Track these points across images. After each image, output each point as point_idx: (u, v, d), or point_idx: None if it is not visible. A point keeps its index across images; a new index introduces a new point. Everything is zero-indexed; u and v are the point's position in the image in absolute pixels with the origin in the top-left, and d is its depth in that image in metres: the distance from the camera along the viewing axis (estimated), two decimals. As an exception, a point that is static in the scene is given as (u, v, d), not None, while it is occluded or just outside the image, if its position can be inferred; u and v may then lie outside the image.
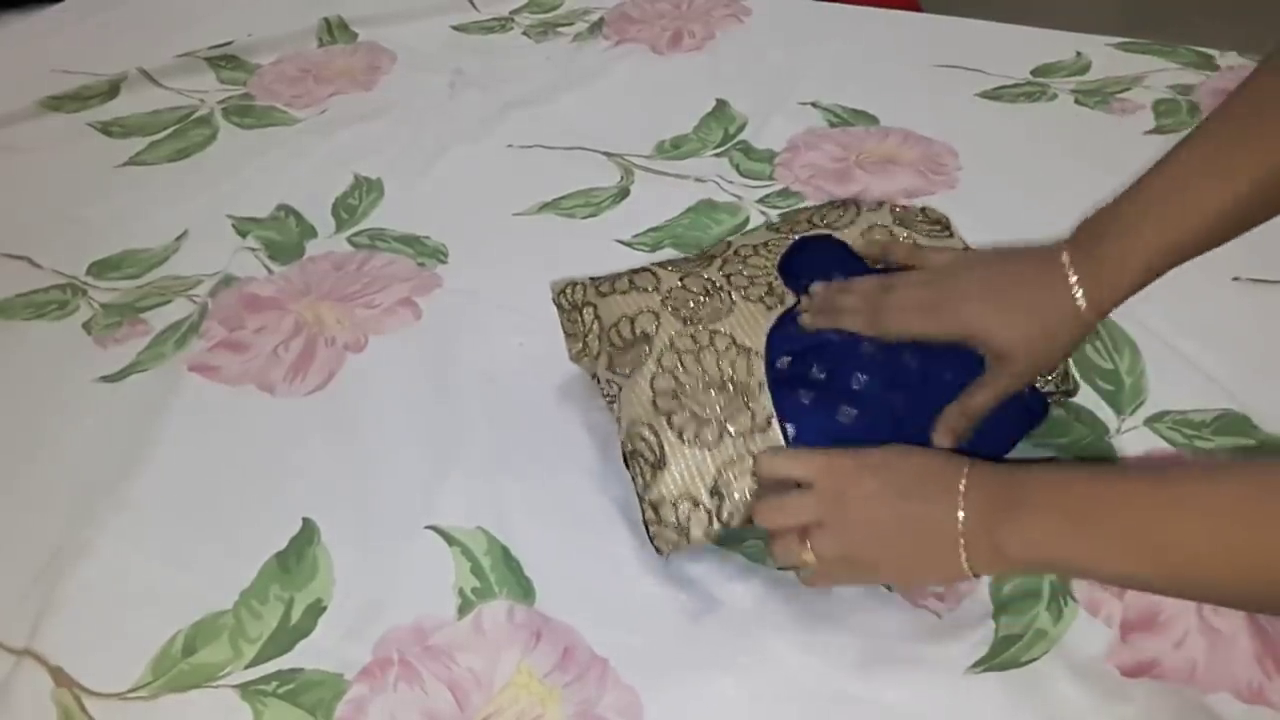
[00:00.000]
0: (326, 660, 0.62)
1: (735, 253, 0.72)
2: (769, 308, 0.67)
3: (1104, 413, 0.74)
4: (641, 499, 0.63)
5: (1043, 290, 0.60)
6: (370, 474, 0.73)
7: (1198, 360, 0.77)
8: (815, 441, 0.62)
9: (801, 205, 0.76)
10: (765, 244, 0.73)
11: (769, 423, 0.62)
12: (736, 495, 0.61)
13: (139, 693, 0.60)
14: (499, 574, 0.65)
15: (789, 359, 0.65)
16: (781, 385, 0.64)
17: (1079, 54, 1.15)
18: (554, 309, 0.73)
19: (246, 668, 0.61)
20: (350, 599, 0.65)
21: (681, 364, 0.65)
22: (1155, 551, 0.49)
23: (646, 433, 0.63)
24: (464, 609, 0.64)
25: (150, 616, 0.64)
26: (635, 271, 0.72)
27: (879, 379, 0.64)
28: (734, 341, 0.66)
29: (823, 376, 0.64)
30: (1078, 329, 0.60)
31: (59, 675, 0.61)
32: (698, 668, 0.60)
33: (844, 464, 0.58)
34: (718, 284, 0.69)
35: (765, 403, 0.63)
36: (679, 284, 0.70)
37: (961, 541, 0.54)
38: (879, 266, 0.70)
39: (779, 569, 0.63)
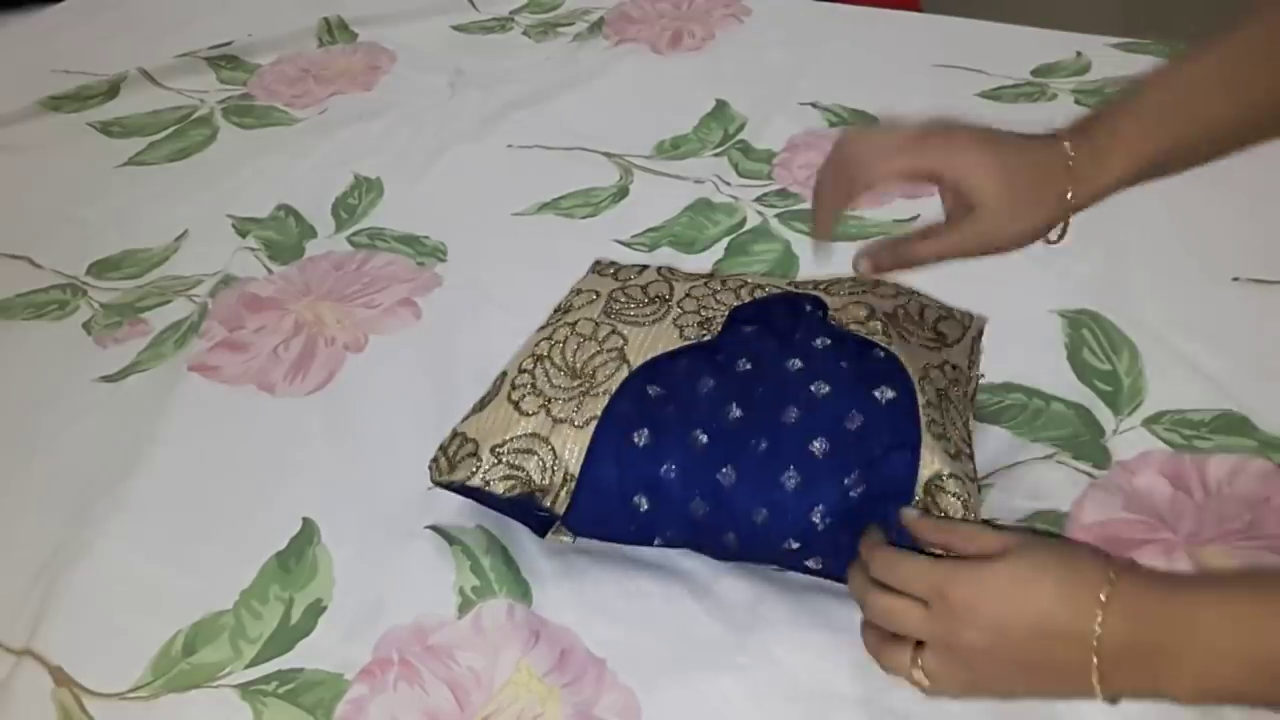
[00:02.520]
0: (326, 660, 0.62)
1: (706, 284, 0.71)
2: (685, 338, 0.66)
3: (1101, 413, 0.74)
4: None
5: (1039, 151, 0.57)
6: (370, 474, 0.73)
7: (1197, 360, 0.77)
8: (608, 472, 0.61)
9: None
10: (746, 287, 0.70)
11: (587, 423, 0.62)
12: (502, 471, 0.62)
13: (139, 693, 0.61)
14: (499, 573, 0.65)
15: (660, 391, 0.63)
16: (622, 416, 0.62)
17: (1079, 54, 1.15)
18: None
19: (246, 668, 0.61)
20: (350, 599, 0.65)
21: (559, 338, 0.67)
22: None
23: (508, 370, 0.67)
24: (464, 608, 0.64)
25: (150, 616, 0.64)
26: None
27: (719, 448, 0.61)
28: (620, 349, 0.66)
29: (670, 410, 0.62)
30: (1061, 205, 0.57)
31: (59, 675, 0.61)
32: (695, 668, 0.60)
33: (959, 597, 0.51)
34: (664, 295, 0.70)
35: (593, 408, 0.63)
36: (618, 287, 0.71)
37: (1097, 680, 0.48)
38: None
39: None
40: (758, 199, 0.97)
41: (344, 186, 1.02)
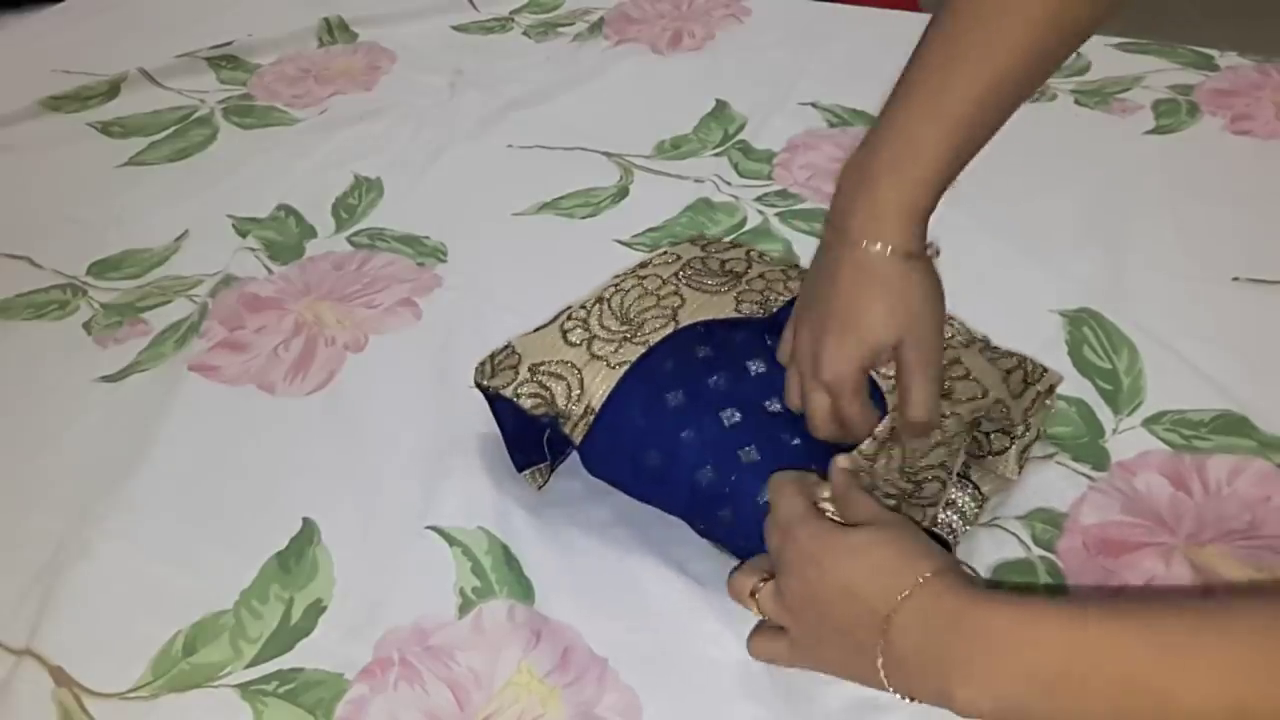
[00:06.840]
0: (327, 660, 0.62)
1: (784, 272, 0.73)
2: (738, 312, 0.68)
3: (1102, 413, 0.74)
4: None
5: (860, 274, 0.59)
6: (370, 474, 0.73)
7: (1197, 360, 0.77)
8: (631, 419, 0.63)
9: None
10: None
11: (619, 366, 0.65)
12: (532, 388, 0.65)
13: (139, 693, 0.61)
14: (499, 573, 0.65)
15: (710, 354, 0.65)
16: (658, 371, 0.64)
17: (1079, 54, 1.15)
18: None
19: (247, 667, 0.62)
20: (350, 599, 0.65)
21: (626, 287, 0.70)
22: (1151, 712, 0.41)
23: (572, 305, 0.70)
24: (464, 608, 0.64)
25: (150, 616, 0.64)
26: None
27: (749, 431, 0.62)
28: (675, 310, 0.68)
29: (713, 383, 0.64)
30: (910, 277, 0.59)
31: (59, 675, 0.61)
32: (697, 668, 0.60)
33: (800, 541, 0.53)
34: (739, 271, 0.72)
35: (630, 354, 0.65)
36: (702, 253, 0.74)
37: (882, 668, 0.49)
38: None
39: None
40: (758, 199, 0.97)
41: (344, 186, 1.02)
